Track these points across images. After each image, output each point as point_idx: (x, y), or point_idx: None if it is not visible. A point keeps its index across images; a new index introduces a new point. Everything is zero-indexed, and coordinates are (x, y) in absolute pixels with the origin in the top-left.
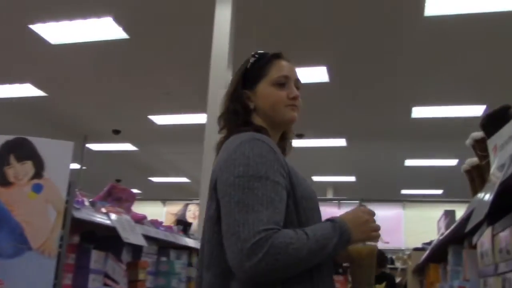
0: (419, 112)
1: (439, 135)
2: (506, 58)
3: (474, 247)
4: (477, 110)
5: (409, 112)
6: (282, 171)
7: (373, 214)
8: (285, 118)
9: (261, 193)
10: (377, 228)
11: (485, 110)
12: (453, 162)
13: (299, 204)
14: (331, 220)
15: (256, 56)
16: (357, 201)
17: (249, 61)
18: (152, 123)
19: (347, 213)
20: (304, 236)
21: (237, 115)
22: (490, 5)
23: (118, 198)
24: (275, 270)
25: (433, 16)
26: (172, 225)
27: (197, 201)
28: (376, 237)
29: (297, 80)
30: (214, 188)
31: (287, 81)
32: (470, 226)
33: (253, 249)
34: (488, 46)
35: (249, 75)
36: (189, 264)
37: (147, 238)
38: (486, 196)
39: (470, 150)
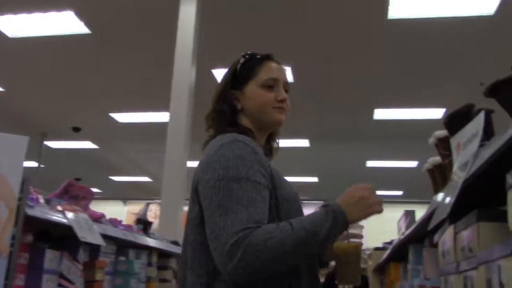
0: (381, 114)
1: (400, 137)
2: (466, 62)
3: (435, 245)
4: (437, 113)
5: (371, 114)
6: (263, 171)
7: (369, 188)
8: (272, 120)
9: (241, 193)
10: (376, 201)
11: (445, 113)
12: (413, 164)
13: (281, 206)
14: (325, 205)
15: (246, 56)
16: (320, 202)
17: (239, 61)
18: (113, 121)
19: (343, 194)
20: (288, 227)
21: (224, 115)
22: (451, 10)
23: (75, 195)
24: (258, 267)
25: (396, 19)
26: (132, 224)
27: (159, 201)
28: (377, 211)
29: (286, 83)
30: (195, 190)
31: (276, 83)
32: (432, 224)
33: (231, 250)
34: (449, 50)
35: (238, 75)
36: (149, 264)
37: (105, 237)
38: (448, 195)
39: (430, 152)
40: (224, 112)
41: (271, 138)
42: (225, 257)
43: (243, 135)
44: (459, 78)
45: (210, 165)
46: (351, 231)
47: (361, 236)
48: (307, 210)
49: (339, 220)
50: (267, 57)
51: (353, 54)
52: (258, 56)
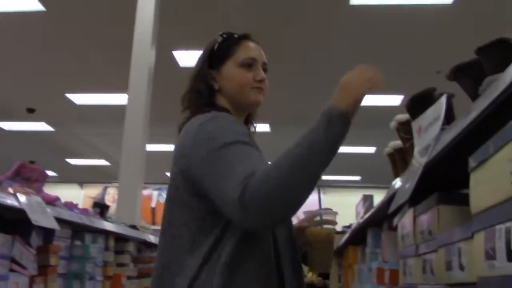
0: None
1: (359, 122)
2: (423, 50)
3: (394, 229)
4: (395, 100)
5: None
6: (250, 137)
7: (363, 67)
8: (249, 101)
9: (232, 155)
10: (371, 76)
11: (403, 100)
12: (371, 149)
13: None
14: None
15: (224, 36)
16: None
17: (216, 40)
18: (70, 102)
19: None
20: (281, 155)
21: (201, 95)
22: None
23: (28, 178)
24: (273, 205)
25: (359, 5)
26: (87, 207)
27: (117, 184)
28: (376, 85)
29: (265, 63)
30: (181, 173)
31: (254, 63)
32: (393, 207)
33: (240, 204)
34: (407, 38)
35: (215, 55)
36: (106, 248)
37: (60, 221)
38: (409, 179)
39: (388, 138)
40: (201, 91)
41: (248, 121)
42: (239, 214)
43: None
44: (417, 66)
45: (196, 145)
46: (325, 217)
47: (335, 223)
48: None
49: (334, 118)
50: (245, 37)
51: (314, 39)
52: (236, 36)
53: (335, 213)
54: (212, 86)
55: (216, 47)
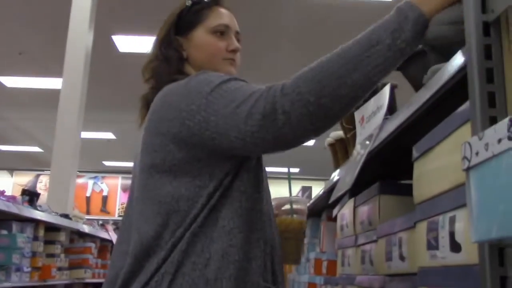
0: None
1: None
2: None
3: (333, 219)
4: None
5: None
6: None
7: None
8: (221, 73)
9: (236, 87)
10: None
11: None
12: (310, 142)
13: None
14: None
15: (189, 1)
16: None
17: (184, 4)
18: (0, 85)
19: None
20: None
21: (169, 63)
22: None
23: None
24: (312, 102)
25: None
26: (16, 195)
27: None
28: None
29: (237, 32)
30: (171, 138)
31: (227, 30)
32: (334, 197)
33: (271, 117)
34: (347, 33)
35: (183, 19)
36: (35, 238)
37: None
38: (350, 169)
39: (327, 130)
40: (169, 59)
41: None
42: (266, 132)
43: None
44: None
45: (189, 95)
46: (295, 206)
47: (305, 212)
48: None
49: (411, 14)
50: (217, 2)
51: (262, 33)
52: (207, 0)
53: (306, 202)
54: (181, 54)
55: (184, 11)
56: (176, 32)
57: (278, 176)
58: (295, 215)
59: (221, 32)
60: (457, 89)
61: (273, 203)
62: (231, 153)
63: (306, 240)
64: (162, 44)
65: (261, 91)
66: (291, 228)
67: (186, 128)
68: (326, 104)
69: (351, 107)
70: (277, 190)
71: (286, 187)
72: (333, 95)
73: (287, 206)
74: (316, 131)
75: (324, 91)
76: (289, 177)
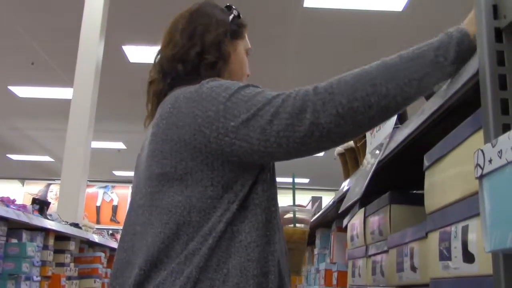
0: None
1: None
2: (373, 55)
3: (343, 230)
4: None
5: None
6: None
7: None
8: None
9: (253, 92)
10: None
11: None
12: (320, 153)
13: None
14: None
15: (235, 12)
16: None
17: (231, 10)
18: (12, 95)
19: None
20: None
21: (207, 58)
22: (362, 3)
23: None
24: (340, 103)
25: (312, 8)
26: (27, 204)
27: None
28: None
29: None
30: (184, 148)
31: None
32: (344, 207)
33: (294, 108)
34: (359, 43)
35: (232, 24)
36: (45, 247)
37: None
38: (360, 179)
39: None
40: (209, 52)
41: None
42: (290, 122)
43: None
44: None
45: (205, 101)
46: (298, 215)
47: (308, 222)
48: None
49: (456, 34)
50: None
51: (267, 42)
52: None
53: (309, 211)
54: (229, 56)
55: (231, 18)
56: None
57: (284, 186)
58: (297, 225)
59: (247, 55)
60: (468, 96)
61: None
62: (250, 159)
63: (316, 251)
64: (205, 34)
65: (288, 93)
66: (294, 239)
67: (202, 135)
68: (357, 109)
69: (380, 119)
70: (286, 201)
71: (296, 198)
72: (365, 101)
73: (290, 215)
74: (340, 138)
75: (356, 95)
76: (293, 186)
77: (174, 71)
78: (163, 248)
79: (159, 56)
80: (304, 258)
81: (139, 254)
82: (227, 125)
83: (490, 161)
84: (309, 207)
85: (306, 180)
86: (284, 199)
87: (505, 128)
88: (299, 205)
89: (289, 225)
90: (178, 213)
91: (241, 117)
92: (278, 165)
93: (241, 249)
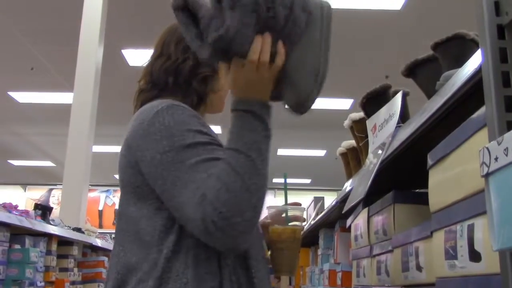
0: None
1: (309, 126)
2: (373, 54)
3: (347, 230)
4: (345, 103)
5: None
6: (211, 133)
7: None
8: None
9: (194, 160)
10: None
11: (353, 104)
12: (321, 152)
13: None
14: (243, 110)
15: None
16: None
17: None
18: (12, 100)
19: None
20: (222, 164)
21: (206, 78)
22: (361, 2)
23: None
24: (237, 222)
25: None
26: (29, 209)
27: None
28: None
29: None
30: (132, 166)
31: None
32: (347, 207)
33: (204, 228)
34: (357, 42)
35: None
36: (48, 253)
37: None
38: (363, 178)
39: (338, 141)
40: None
41: None
42: (205, 235)
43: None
44: (366, 70)
45: (150, 138)
46: (290, 213)
47: (302, 219)
48: None
49: (262, 110)
50: None
51: None
52: None
53: (302, 209)
54: (218, 69)
55: None
56: None
57: (288, 187)
58: (290, 223)
59: None
60: (471, 94)
61: (268, 211)
62: None
63: (320, 251)
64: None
65: (202, 194)
66: (283, 238)
67: (140, 168)
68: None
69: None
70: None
71: (297, 198)
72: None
73: (284, 215)
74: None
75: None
76: (285, 186)
77: (164, 83)
78: (129, 255)
79: (149, 65)
80: (296, 258)
81: (114, 259)
82: (158, 179)
83: (496, 159)
84: (311, 207)
85: (308, 181)
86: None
87: (510, 126)
88: (294, 203)
89: (278, 226)
90: (133, 222)
91: (166, 186)
92: (278, 166)
93: (199, 261)
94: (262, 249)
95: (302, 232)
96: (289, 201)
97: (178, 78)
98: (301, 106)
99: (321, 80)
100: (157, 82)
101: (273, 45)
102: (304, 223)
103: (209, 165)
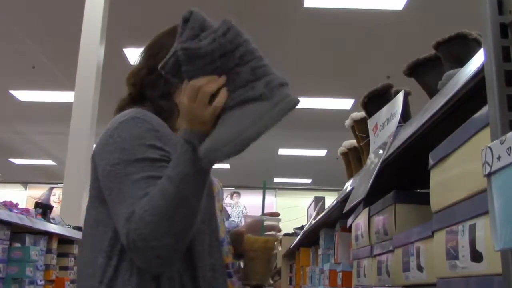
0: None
1: (310, 126)
2: (374, 54)
3: (347, 230)
4: (346, 103)
5: None
6: (167, 148)
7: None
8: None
9: (139, 176)
10: (203, 87)
11: (354, 104)
12: (322, 152)
13: None
14: (185, 140)
15: None
16: (232, 188)
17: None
18: (14, 99)
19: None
20: (157, 188)
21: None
22: (362, 2)
23: None
24: (154, 246)
25: (312, 8)
26: (30, 208)
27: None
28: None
29: None
30: (95, 171)
31: None
32: (348, 206)
33: (127, 241)
34: (359, 42)
35: None
36: (48, 251)
37: None
38: (364, 178)
39: (339, 141)
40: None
41: None
42: (127, 249)
43: (145, 111)
44: (368, 70)
45: (107, 149)
46: (266, 222)
47: (278, 229)
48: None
49: (191, 140)
50: None
51: (266, 42)
52: None
53: (278, 220)
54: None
55: None
56: None
57: (290, 187)
58: (265, 233)
59: None
60: (473, 94)
61: (244, 220)
62: None
63: (320, 251)
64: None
65: (130, 212)
66: (255, 247)
67: (98, 173)
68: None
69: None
70: (289, 202)
71: (298, 198)
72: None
73: (267, 223)
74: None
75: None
76: (263, 195)
77: (140, 94)
78: (86, 259)
79: (135, 70)
80: (269, 267)
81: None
82: (106, 188)
83: (499, 158)
84: (311, 207)
85: (308, 181)
86: (292, 201)
87: None
88: (272, 213)
89: (252, 235)
90: (92, 227)
91: (111, 196)
92: (279, 166)
93: (143, 270)
94: (219, 258)
95: (276, 242)
96: (289, 202)
97: (155, 90)
98: (210, 151)
99: (240, 144)
100: (134, 90)
101: (222, 90)
102: (279, 233)
103: (151, 182)
